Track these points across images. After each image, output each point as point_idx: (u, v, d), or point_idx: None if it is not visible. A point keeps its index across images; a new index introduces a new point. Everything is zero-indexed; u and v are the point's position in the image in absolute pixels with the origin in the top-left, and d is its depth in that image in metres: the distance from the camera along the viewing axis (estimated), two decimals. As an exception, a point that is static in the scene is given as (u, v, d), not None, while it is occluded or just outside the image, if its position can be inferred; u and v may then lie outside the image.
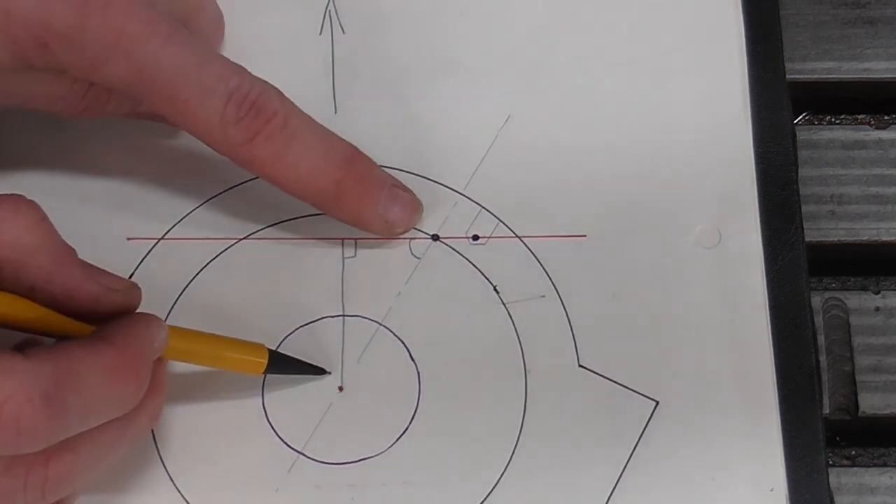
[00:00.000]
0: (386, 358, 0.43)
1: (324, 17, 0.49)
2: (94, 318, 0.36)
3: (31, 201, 0.35)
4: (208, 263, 0.44)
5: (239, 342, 0.40)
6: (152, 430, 0.41)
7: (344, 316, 0.43)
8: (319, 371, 0.42)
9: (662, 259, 0.44)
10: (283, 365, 0.41)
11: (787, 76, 0.47)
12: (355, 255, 0.44)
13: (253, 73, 0.40)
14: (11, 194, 0.35)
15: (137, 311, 0.38)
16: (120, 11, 0.38)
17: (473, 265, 0.44)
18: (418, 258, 0.44)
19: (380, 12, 0.49)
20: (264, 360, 0.40)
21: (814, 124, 0.49)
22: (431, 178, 0.45)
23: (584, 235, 0.45)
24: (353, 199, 0.42)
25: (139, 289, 0.38)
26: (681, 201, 0.45)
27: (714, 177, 0.45)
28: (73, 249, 0.36)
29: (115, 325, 0.36)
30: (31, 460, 0.34)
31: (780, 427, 0.41)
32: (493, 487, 0.41)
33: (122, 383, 0.35)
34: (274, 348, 0.42)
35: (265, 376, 0.42)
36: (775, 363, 0.42)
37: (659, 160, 0.46)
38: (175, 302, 0.43)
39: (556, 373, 0.42)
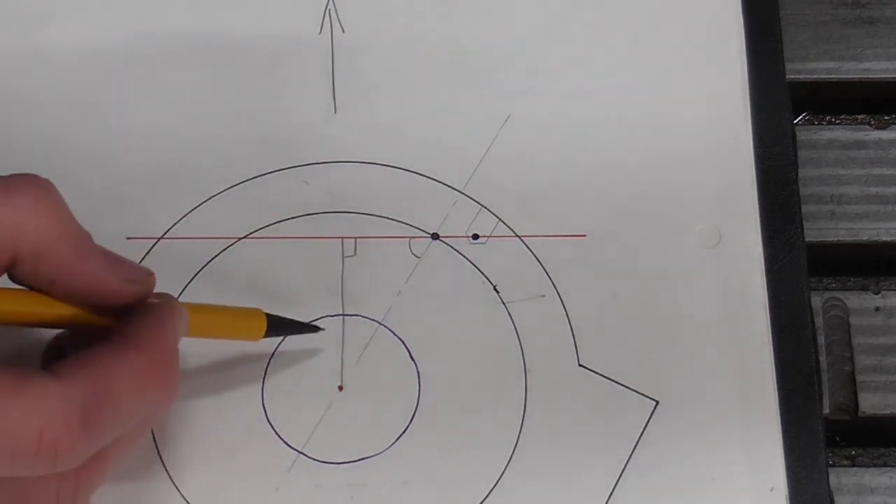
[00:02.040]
0: (386, 358, 0.43)
1: (324, 17, 0.49)
2: (111, 307, 0.35)
3: (48, 184, 0.34)
4: (208, 263, 0.44)
5: (237, 309, 0.40)
6: (152, 431, 0.41)
7: (344, 315, 0.43)
8: (313, 329, 0.42)
9: (662, 259, 0.44)
10: (279, 328, 0.41)
11: (787, 76, 0.47)
12: (355, 254, 0.44)
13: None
14: (26, 175, 0.34)
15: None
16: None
17: (473, 264, 0.44)
18: (418, 257, 0.44)
19: (380, 12, 0.49)
20: (263, 325, 0.40)
21: (814, 124, 0.49)
22: (431, 177, 0.45)
23: (584, 235, 0.45)
24: None
25: (154, 275, 0.37)
26: (681, 201, 0.45)
27: (714, 177, 0.45)
28: (89, 235, 0.35)
29: (140, 323, 0.35)
30: (64, 471, 0.33)
31: (780, 427, 0.41)
32: (493, 487, 0.41)
33: (156, 390, 0.34)
34: (274, 350, 0.42)
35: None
36: (775, 363, 0.42)
37: (659, 160, 0.46)
38: (175, 302, 0.43)
39: (556, 372, 0.42)
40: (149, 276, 0.36)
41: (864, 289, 0.46)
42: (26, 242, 0.33)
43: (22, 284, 0.34)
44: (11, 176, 0.33)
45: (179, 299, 0.43)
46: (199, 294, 0.43)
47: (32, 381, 0.31)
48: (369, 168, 0.46)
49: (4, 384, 0.31)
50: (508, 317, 0.43)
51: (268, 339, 0.42)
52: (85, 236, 0.35)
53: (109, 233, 0.44)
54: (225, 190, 0.45)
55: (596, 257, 0.44)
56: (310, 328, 0.42)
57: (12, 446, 0.31)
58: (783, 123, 0.46)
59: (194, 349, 0.41)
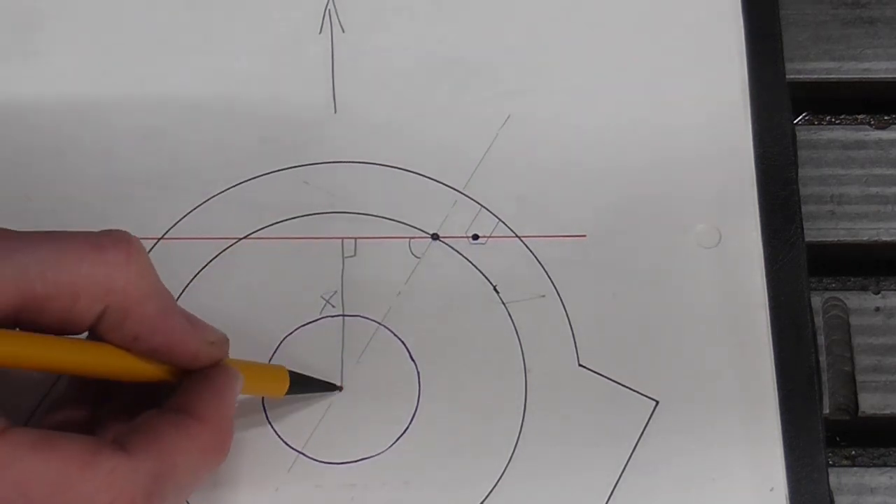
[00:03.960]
0: (386, 358, 0.43)
1: (323, 17, 0.49)
2: (186, 368, 0.36)
3: (138, 243, 0.34)
4: (208, 263, 0.44)
5: (261, 366, 0.41)
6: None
7: (344, 316, 0.43)
8: (333, 387, 0.42)
9: (662, 259, 0.44)
10: (299, 385, 0.41)
11: (787, 76, 0.47)
12: (355, 254, 0.44)
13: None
14: (117, 232, 0.34)
15: None
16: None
17: (473, 265, 0.44)
18: (418, 258, 0.44)
19: (380, 12, 0.49)
20: (286, 383, 0.40)
21: (814, 124, 0.49)
22: (431, 177, 0.45)
23: (584, 235, 0.45)
24: None
25: (228, 340, 0.37)
26: (681, 201, 0.45)
27: (714, 177, 0.45)
28: (173, 297, 0.36)
29: (203, 394, 0.36)
30: None
31: (780, 427, 0.41)
32: (494, 487, 0.41)
33: (215, 461, 0.36)
34: (274, 349, 0.42)
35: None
36: (775, 363, 0.42)
37: (659, 160, 0.46)
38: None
39: (556, 372, 0.42)
40: (224, 339, 0.37)
41: (864, 289, 0.46)
42: (116, 298, 0.34)
43: (102, 340, 0.35)
44: (102, 233, 0.34)
45: (180, 301, 0.43)
46: (199, 294, 0.43)
47: (104, 455, 0.32)
48: (369, 168, 0.46)
49: (77, 455, 0.32)
50: (508, 317, 0.43)
51: (268, 340, 0.42)
52: (169, 297, 0.36)
53: (109, 233, 0.44)
54: (225, 190, 0.45)
55: (596, 257, 0.44)
56: (331, 386, 0.42)
57: None
58: (783, 123, 0.46)
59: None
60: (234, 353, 0.40)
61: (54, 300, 0.33)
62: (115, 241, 0.34)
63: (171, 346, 0.35)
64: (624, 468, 0.41)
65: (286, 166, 0.46)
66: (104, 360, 0.35)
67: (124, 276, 0.34)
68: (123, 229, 0.35)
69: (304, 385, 0.41)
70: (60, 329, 0.34)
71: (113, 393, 0.37)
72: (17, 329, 0.33)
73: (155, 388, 0.37)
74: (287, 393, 0.41)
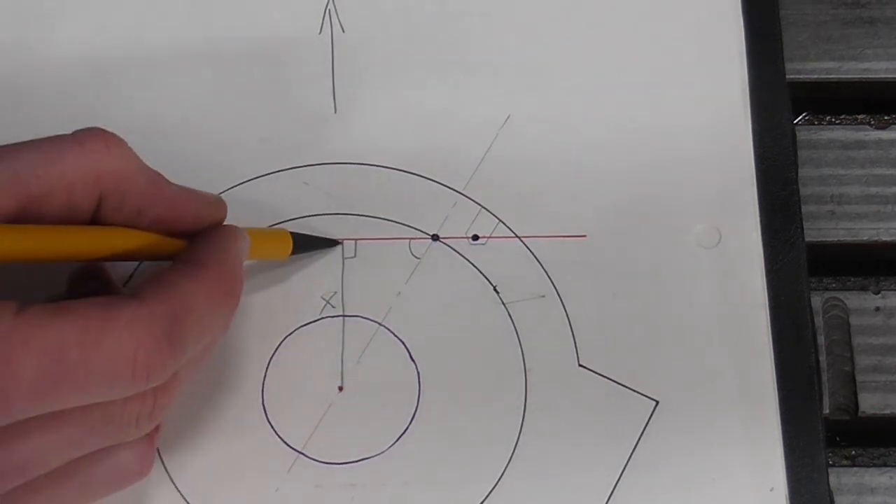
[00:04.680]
0: (386, 358, 0.43)
1: (323, 17, 0.49)
2: (187, 233, 0.38)
3: (116, 135, 0.36)
4: (208, 263, 0.44)
5: (265, 231, 0.42)
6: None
7: (344, 316, 0.43)
8: (333, 243, 0.43)
9: (662, 259, 0.44)
10: (302, 245, 0.43)
11: (787, 76, 0.47)
12: (355, 255, 0.44)
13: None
14: (93, 128, 0.36)
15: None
16: None
17: (473, 265, 0.44)
18: (418, 258, 0.44)
19: (380, 12, 0.49)
20: (289, 244, 0.42)
21: (814, 124, 0.49)
22: (431, 177, 0.45)
23: (584, 235, 0.45)
24: None
25: (225, 202, 0.39)
26: (681, 201, 0.45)
27: (714, 177, 0.45)
28: (162, 174, 0.37)
29: (208, 246, 0.37)
30: (145, 392, 0.35)
31: (780, 427, 0.42)
32: (494, 487, 0.41)
33: (226, 305, 0.37)
34: (274, 349, 0.42)
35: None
36: (775, 363, 0.42)
37: (659, 160, 0.46)
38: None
39: (556, 372, 0.42)
40: (220, 199, 0.39)
41: (864, 289, 0.46)
42: (108, 181, 0.35)
43: (108, 223, 0.36)
44: (79, 130, 0.36)
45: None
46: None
47: (120, 307, 0.33)
48: (369, 169, 0.46)
49: (94, 316, 0.33)
50: (508, 317, 0.43)
51: (268, 340, 0.42)
52: (158, 173, 0.37)
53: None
54: (225, 190, 0.45)
55: (596, 257, 0.44)
56: (332, 242, 0.43)
57: (111, 372, 0.32)
58: (783, 123, 0.46)
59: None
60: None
61: (51, 196, 0.34)
62: (92, 134, 0.35)
63: (172, 212, 0.37)
64: (624, 468, 0.41)
65: (286, 166, 0.46)
66: (114, 239, 0.36)
67: (110, 161, 0.35)
68: (100, 127, 0.36)
69: (307, 244, 0.43)
70: (65, 223, 0.35)
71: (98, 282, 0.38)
72: None
73: None
74: (292, 254, 0.42)
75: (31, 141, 0.35)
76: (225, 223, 0.39)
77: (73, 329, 0.32)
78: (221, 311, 0.37)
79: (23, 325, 0.32)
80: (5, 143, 0.46)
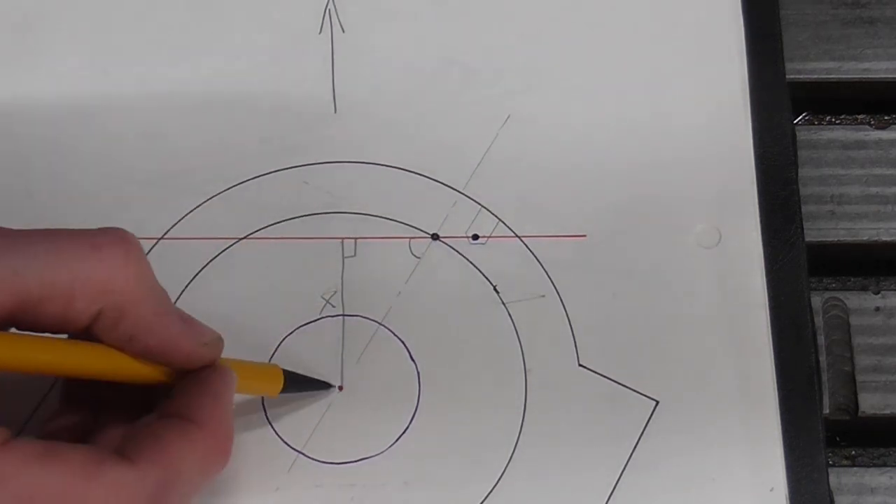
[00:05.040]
0: (386, 358, 0.43)
1: (323, 17, 0.49)
2: (180, 369, 0.36)
3: (135, 242, 0.34)
4: (208, 263, 0.44)
5: (255, 365, 0.40)
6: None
7: (344, 316, 0.43)
8: (327, 386, 0.42)
9: (662, 259, 0.44)
10: (294, 384, 0.41)
11: (787, 76, 0.47)
12: (355, 254, 0.44)
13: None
14: (115, 230, 0.34)
15: None
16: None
17: (473, 265, 0.44)
18: (418, 258, 0.44)
19: (380, 12, 0.49)
20: (280, 382, 0.40)
21: (814, 124, 0.49)
22: (431, 177, 0.45)
23: (584, 235, 0.45)
24: None
25: (222, 340, 0.37)
26: (681, 201, 0.45)
27: (714, 177, 0.45)
28: (168, 296, 0.35)
29: (202, 398, 0.35)
30: None
31: (780, 427, 0.41)
32: (493, 487, 0.41)
33: (218, 466, 0.35)
34: (274, 349, 0.42)
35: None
36: (775, 363, 0.42)
37: (659, 160, 0.46)
38: (175, 302, 0.43)
39: (556, 372, 0.42)
40: (218, 339, 0.37)
41: (864, 289, 0.46)
42: (112, 299, 0.33)
43: (97, 339, 0.34)
44: (100, 231, 0.34)
45: (180, 300, 0.43)
46: (198, 294, 0.43)
47: (109, 466, 0.32)
48: (369, 168, 0.46)
49: (81, 467, 0.32)
50: (508, 317, 0.43)
51: (267, 340, 0.42)
52: (166, 297, 0.35)
53: (109, 233, 0.44)
54: (225, 190, 0.45)
55: (596, 257, 0.44)
56: (325, 385, 0.42)
57: None
58: (783, 123, 0.46)
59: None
60: (234, 353, 0.40)
61: (51, 301, 0.33)
62: (112, 240, 0.33)
63: (165, 346, 0.35)
64: (624, 468, 0.41)
65: (286, 166, 0.46)
66: (99, 360, 0.34)
67: (122, 277, 0.33)
68: (121, 227, 0.34)
69: (300, 384, 0.41)
70: (56, 329, 0.34)
71: (107, 399, 0.37)
72: (13, 330, 0.33)
73: (150, 391, 0.37)
74: (282, 392, 0.40)
75: (47, 232, 0.33)
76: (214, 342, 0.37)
77: (55, 481, 0.31)
78: (211, 473, 0.35)
79: (5, 461, 0.31)
80: (6, 142, 0.46)
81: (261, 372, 0.40)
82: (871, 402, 0.44)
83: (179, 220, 0.45)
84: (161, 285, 0.35)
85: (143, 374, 0.35)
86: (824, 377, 0.44)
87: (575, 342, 0.43)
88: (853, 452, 0.44)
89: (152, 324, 0.34)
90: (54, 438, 0.34)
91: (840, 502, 0.42)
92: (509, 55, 0.48)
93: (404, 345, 0.43)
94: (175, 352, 0.35)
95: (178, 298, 0.43)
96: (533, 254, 0.44)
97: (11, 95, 0.47)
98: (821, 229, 0.46)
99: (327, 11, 0.49)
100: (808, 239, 0.45)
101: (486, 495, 0.41)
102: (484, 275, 0.44)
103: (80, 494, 0.31)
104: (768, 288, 0.44)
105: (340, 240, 0.44)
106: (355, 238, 0.44)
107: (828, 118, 0.49)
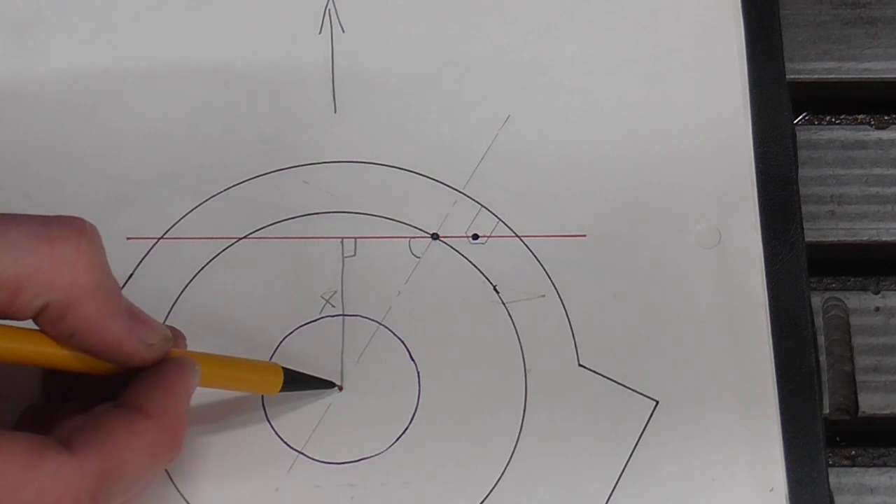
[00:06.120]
0: (386, 358, 0.43)
1: (323, 17, 0.49)
2: (119, 365, 0.35)
3: (92, 233, 0.33)
4: (208, 263, 0.44)
5: (254, 363, 0.40)
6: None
7: (344, 315, 0.43)
8: (329, 385, 0.42)
9: (662, 259, 0.44)
10: (295, 382, 0.41)
11: (787, 76, 0.47)
12: (355, 254, 0.44)
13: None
14: (71, 220, 0.32)
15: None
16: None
17: (473, 264, 0.44)
18: (418, 257, 0.44)
19: (380, 12, 0.49)
20: (280, 379, 0.40)
21: (814, 124, 0.49)
22: (431, 177, 0.45)
23: (584, 235, 0.45)
24: None
25: (172, 339, 0.36)
26: (681, 201, 0.45)
27: (714, 177, 0.45)
28: (120, 292, 0.34)
29: (152, 389, 0.34)
30: None
31: (780, 427, 0.41)
32: (493, 487, 0.41)
33: (165, 458, 0.35)
34: (274, 349, 0.42)
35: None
36: (775, 363, 0.42)
37: (659, 160, 0.46)
38: (175, 302, 0.43)
39: (556, 372, 0.42)
40: (166, 339, 0.36)
41: (864, 289, 0.46)
42: (58, 295, 0.32)
43: (41, 329, 0.34)
44: (54, 220, 0.32)
45: (180, 300, 0.43)
46: (198, 294, 0.43)
47: (48, 455, 0.31)
48: (369, 168, 0.46)
49: (19, 455, 0.31)
50: (508, 317, 0.43)
51: (267, 340, 0.42)
52: (115, 295, 0.34)
53: (109, 233, 0.44)
54: (225, 190, 0.45)
55: (596, 257, 0.44)
56: (327, 384, 0.42)
57: None
58: (783, 123, 0.46)
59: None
60: (234, 352, 0.40)
61: None
62: (66, 233, 0.32)
63: (106, 346, 0.34)
64: (624, 468, 0.41)
65: (286, 166, 0.46)
66: (38, 350, 0.33)
67: (70, 273, 0.32)
68: (80, 217, 0.33)
69: (300, 382, 0.41)
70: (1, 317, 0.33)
71: (80, 387, 0.36)
72: None
73: (110, 381, 0.36)
74: (282, 390, 0.40)
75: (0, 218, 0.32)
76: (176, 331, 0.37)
77: None
78: (159, 464, 0.34)
79: None
80: (5, 146, 0.46)
81: (260, 369, 0.40)
82: (871, 402, 0.44)
83: (179, 220, 0.45)
84: (115, 280, 0.34)
85: (84, 365, 0.34)
86: (824, 377, 0.44)
87: (575, 342, 0.43)
88: (853, 452, 0.44)
89: (96, 323, 0.33)
90: (27, 425, 0.33)
91: (840, 502, 0.42)
92: (509, 55, 0.48)
93: (404, 345, 0.43)
94: (116, 352, 0.34)
95: (178, 298, 0.43)
96: (533, 253, 0.44)
97: (12, 94, 0.47)
98: (821, 229, 0.46)
99: (327, 11, 0.49)
100: (808, 239, 0.45)
101: (486, 495, 0.41)
102: (484, 274, 0.44)
103: (17, 484, 0.31)
104: (768, 288, 0.44)
105: (340, 239, 0.44)
106: (355, 238, 0.44)
107: (828, 118, 0.49)
